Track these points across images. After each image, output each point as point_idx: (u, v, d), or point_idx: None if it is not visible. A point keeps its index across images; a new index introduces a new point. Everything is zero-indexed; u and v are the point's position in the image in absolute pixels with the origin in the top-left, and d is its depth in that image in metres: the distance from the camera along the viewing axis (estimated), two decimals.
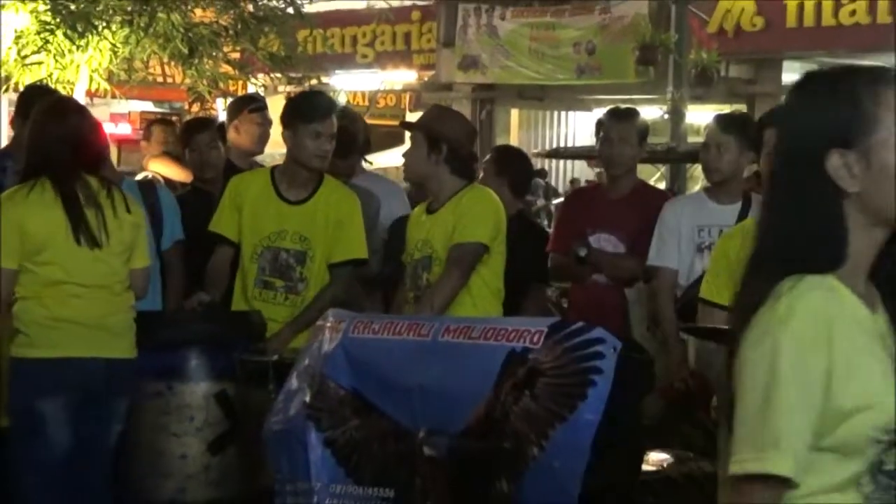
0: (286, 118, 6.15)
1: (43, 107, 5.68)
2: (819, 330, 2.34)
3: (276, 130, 6.56)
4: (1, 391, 5.62)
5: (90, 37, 9.69)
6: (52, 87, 8.41)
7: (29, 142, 5.57)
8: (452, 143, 5.83)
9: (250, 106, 7.79)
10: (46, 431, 5.40)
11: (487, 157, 7.30)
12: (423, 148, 5.84)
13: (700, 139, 7.76)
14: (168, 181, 7.27)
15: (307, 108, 6.16)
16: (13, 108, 6.97)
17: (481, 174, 6.94)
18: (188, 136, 7.32)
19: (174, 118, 21.74)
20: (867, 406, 2.37)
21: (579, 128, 21.98)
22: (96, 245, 5.45)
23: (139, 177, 6.99)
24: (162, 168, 7.65)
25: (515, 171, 6.99)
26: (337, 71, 22.95)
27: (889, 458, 2.40)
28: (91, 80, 10.08)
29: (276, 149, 7.29)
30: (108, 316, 5.52)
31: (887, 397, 2.35)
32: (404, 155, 6.07)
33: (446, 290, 5.63)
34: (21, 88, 8.73)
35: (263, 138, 7.64)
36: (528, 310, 6.38)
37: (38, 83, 8.68)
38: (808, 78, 2.52)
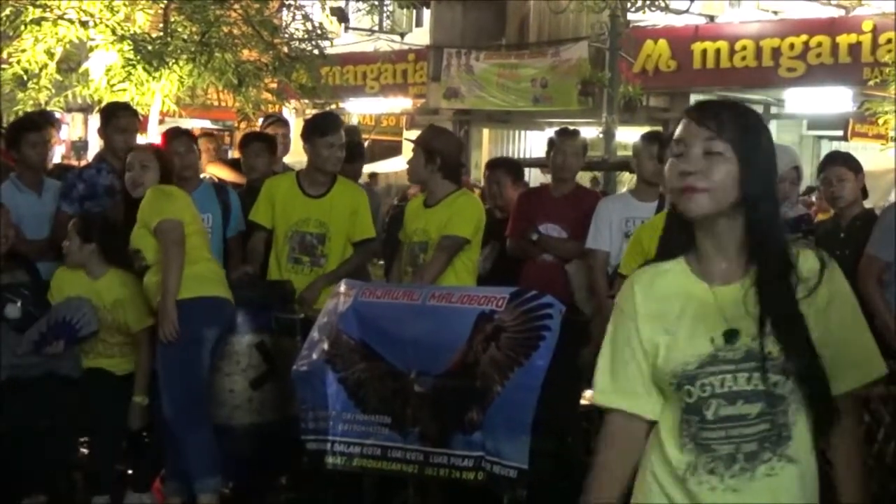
0: (305, 134, 6.14)
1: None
2: (628, 294, 2.46)
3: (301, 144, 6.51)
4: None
5: (163, 70, 9.65)
6: (125, 102, 8.31)
7: (166, 171, 5.63)
8: (444, 155, 5.81)
9: (267, 121, 7.94)
10: (202, 357, 5.35)
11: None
12: (422, 159, 5.81)
13: (627, 153, 7.76)
14: (222, 181, 7.24)
15: (321, 126, 6.16)
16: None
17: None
18: (242, 145, 7.30)
19: (226, 133, 21.76)
20: (666, 349, 2.39)
21: (535, 144, 21.92)
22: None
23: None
24: (217, 171, 7.63)
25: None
26: (350, 98, 22.91)
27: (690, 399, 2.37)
28: (163, 103, 10.06)
29: (299, 157, 7.25)
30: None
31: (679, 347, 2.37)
32: (408, 163, 6.04)
33: (435, 268, 5.64)
34: None
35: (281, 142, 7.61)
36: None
37: (116, 101, 8.59)
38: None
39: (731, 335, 2.33)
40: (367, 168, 16.35)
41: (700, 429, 2.35)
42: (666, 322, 2.40)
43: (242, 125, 11.14)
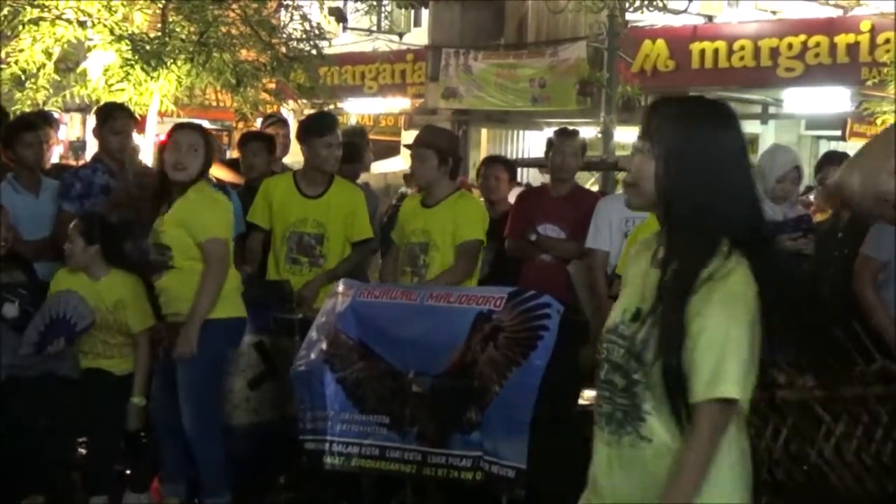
0: (301, 135, 6.14)
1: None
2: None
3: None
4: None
5: (161, 70, 9.63)
6: (121, 103, 8.30)
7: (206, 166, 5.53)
8: (455, 156, 5.83)
9: (267, 121, 7.94)
10: (220, 375, 5.39)
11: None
12: (434, 161, 5.74)
13: (625, 153, 7.77)
14: (221, 181, 7.24)
15: (318, 126, 6.16)
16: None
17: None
18: (241, 144, 7.31)
19: (224, 133, 21.77)
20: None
21: (533, 144, 21.92)
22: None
23: None
24: (217, 171, 7.61)
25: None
26: (349, 98, 22.89)
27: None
28: (161, 102, 10.04)
29: (299, 158, 7.25)
30: None
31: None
32: (413, 167, 5.99)
33: (459, 274, 5.62)
34: None
35: (281, 142, 7.59)
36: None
37: (112, 101, 8.57)
38: None
39: (637, 314, 2.45)
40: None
41: (598, 385, 2.53)
42: (624, 286, 2.61)
43: (240, 125, 11.13)
